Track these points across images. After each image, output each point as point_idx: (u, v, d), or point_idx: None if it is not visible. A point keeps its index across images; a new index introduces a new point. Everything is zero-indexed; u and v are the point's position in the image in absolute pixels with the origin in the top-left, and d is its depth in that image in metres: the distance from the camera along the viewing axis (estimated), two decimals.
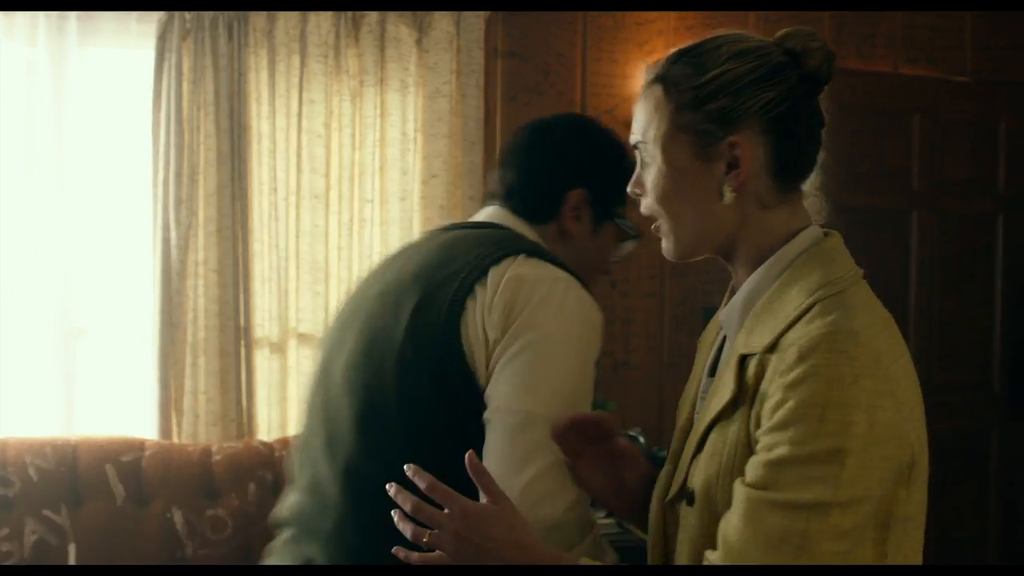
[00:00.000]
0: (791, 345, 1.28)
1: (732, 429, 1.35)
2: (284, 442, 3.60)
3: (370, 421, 1.69)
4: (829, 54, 1.42)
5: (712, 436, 1.38)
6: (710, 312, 1.60)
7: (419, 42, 3.94)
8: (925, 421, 1.34)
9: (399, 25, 3.93)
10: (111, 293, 3.92)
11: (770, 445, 1.27)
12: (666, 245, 1.47)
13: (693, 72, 1.41)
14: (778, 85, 1.39)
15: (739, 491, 1.29)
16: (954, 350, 4.46)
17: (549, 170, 1.91)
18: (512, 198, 1.91)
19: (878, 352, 1.28)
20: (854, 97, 4.22)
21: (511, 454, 1.60)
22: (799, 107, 1.41)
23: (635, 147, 1.48)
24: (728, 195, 1.40)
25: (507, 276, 1.68)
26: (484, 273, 1.69)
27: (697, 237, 1.45)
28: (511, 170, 1.93)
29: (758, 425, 1.30)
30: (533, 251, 1.76)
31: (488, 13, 3.98)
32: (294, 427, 3.83)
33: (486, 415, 1.64)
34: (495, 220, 1.90)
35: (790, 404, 1.25)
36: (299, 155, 3.86)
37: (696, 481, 1.38)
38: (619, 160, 1.88)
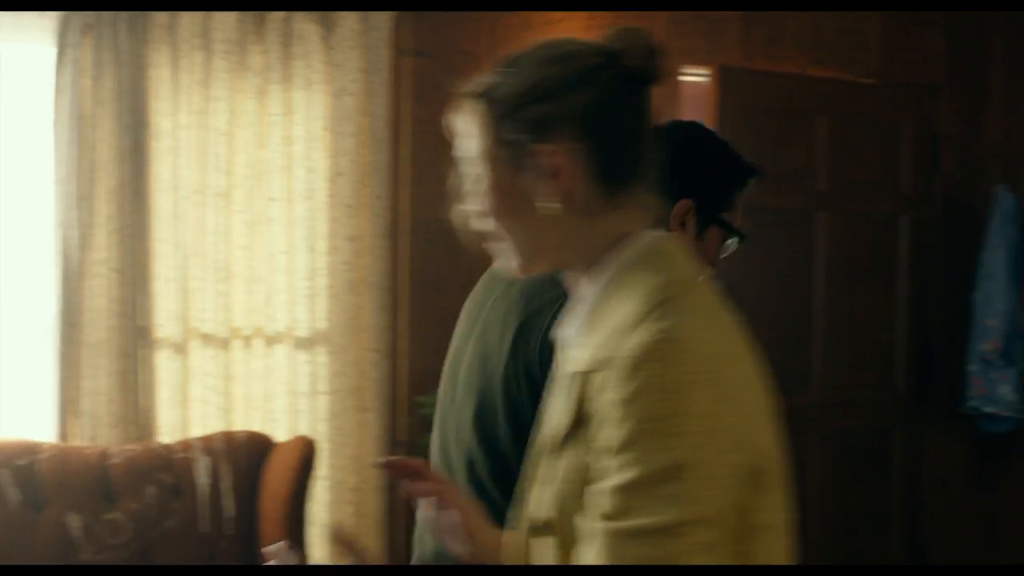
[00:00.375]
0: (622, 358, 1.22)
1: (573, 452, 1.29)
2: (185, 444, 3.54)
3: (484, 422, 1.83)
4: (651, 51, 1.37)
5: (556, 461, 1.32)
6: None
7: (325, 39, 3.89)
8: (775, 424, 1.30)
9: (305, 22, 3.88)
10: (8, 292, 3.84)
11: (612, 469, 1.21)
12: (504, 263, 1.42)
13: (509, 82, 1.37)
14: (591, 88, 1.35)
15: (591, 526, 1.23)
16: (858, 348, 4.52)
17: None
18: None
19: (710, 356, 1.23)
20: (761, 98, 4.25)
21: None
22: (617, 108, 1.36)
23: (459, 163, 1.44)
24: (553, 205, 1.34)
25: None
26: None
27: (532, 252, 1.39)
28: None
29: (593, 447, 1.25)
30: None
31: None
32: (196, 428, 3.77)
33: None
34: None
35: (627, 424, 1.20)
36: (202, 153, 3.79)
37: (547, 509, 1.33)
38: (730, 169, 2.00)
